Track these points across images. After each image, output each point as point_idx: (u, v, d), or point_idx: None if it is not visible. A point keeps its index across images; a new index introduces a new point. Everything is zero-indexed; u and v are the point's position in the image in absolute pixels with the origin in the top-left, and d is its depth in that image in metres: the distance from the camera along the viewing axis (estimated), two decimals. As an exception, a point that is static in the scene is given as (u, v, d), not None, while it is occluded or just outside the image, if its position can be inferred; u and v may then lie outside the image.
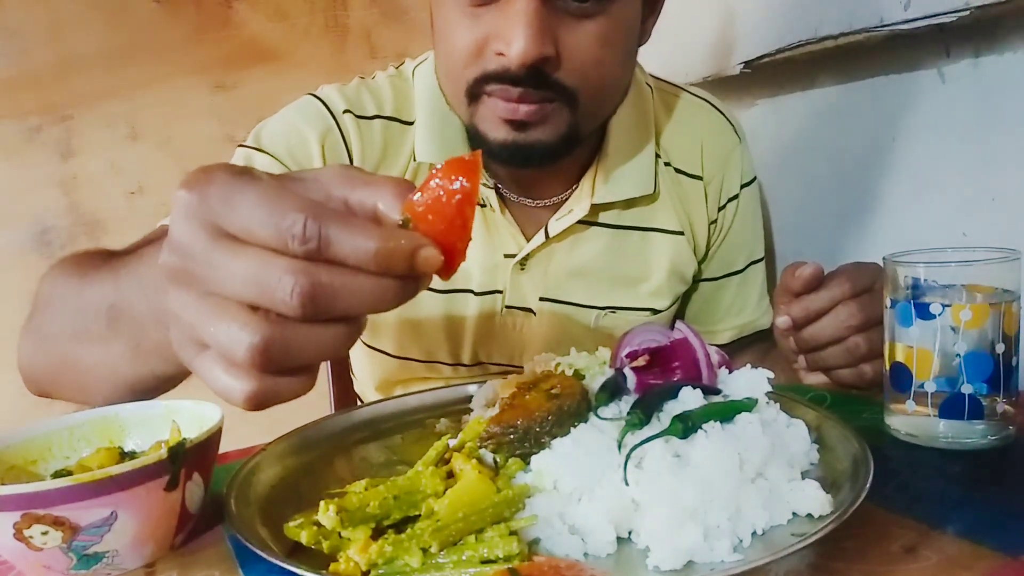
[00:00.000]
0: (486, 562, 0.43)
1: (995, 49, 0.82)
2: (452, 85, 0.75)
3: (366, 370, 1.00)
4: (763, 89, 1.13)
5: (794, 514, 0.46)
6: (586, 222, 0.85)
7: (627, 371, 0.58)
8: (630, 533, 0.46)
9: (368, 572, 0.44)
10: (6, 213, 1.41)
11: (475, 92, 0.71)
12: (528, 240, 0.85)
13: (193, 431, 0.52)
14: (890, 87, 0.95)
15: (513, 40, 0.65)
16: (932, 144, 0.91)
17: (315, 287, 0.35)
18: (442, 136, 0.81)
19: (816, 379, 0.75)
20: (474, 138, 0.75)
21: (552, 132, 0.72)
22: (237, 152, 0.84)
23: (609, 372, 0.60)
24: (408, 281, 0.37)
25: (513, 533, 0.44)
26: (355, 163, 0.82)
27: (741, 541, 0.44)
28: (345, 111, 0.83)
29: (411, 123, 0.85)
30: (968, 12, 0.77)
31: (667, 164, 0.90)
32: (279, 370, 0.38)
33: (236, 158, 0.83)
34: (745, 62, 1.07)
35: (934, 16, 0.80)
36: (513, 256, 0.85)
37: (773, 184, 1.11)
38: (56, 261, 0.74)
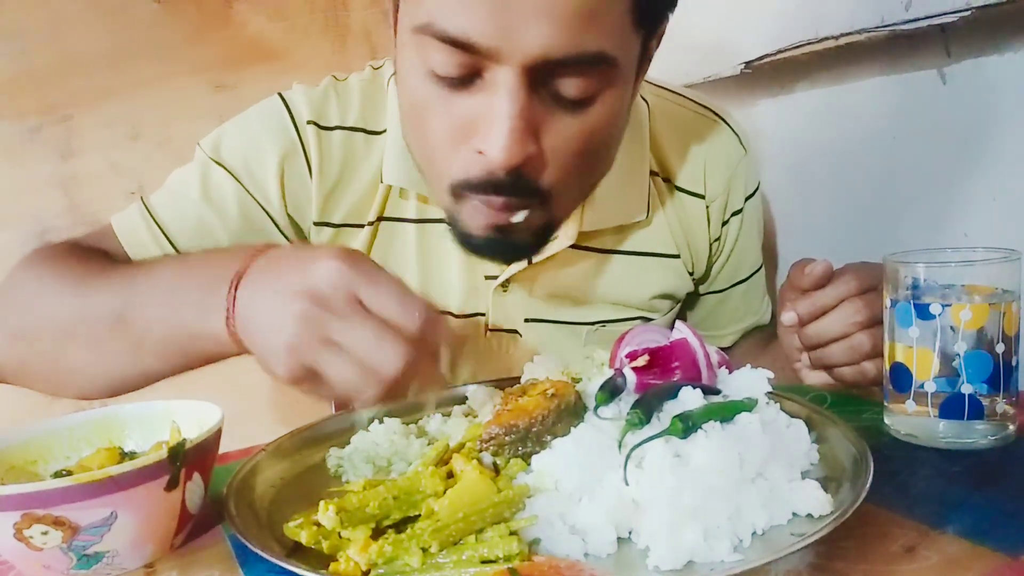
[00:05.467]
0: (486, 562, 0.43)
1: (996, 49, 0.82)
2: (429, 171, 0.68)
3: None
4: (763, 89, 1.13)
5: (794, 514, 0.46)
6: (573, 246, 0.81)
7: (627, 371, 0.58)
8: (630, 533, 0.46)
9: (368, 572, 0.44)
10: (6, 213, 1.41)
11: (458, 192, 0.65)
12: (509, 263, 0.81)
13: (193, 431, 0.52)
14: (890, 87, 0.95)
15: (495, 142, 0.58)
16: (932, 144, 0.91)
17: (408, 362, 0.50)
18: (412, 162, 0.73)
19: (817, 378, 0.75)
20: (453, 225, 0.69)
21: (530, 232, 0.68)
22: (197, 153, 0.81)
23: (608, 372, 0.60)
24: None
25: (513, 533, 0.44)
26: (313, 178, 0.79)
27: (741, 541, 0.44)
28: (309, 121, 0.79)
29: (379, 133, 0.80)
30: (969, 12, 0.76)
31: (666, 180, 0.86)
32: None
33: (196, 162, 0.81)
34: (745, 62, 1.07)
35: (935, 16, 0.80)
36: (494, 278, 0.82)
37: (773, 184, 1.11)
38: (27, 256, 0.75)
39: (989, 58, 0.83)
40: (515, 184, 0.62)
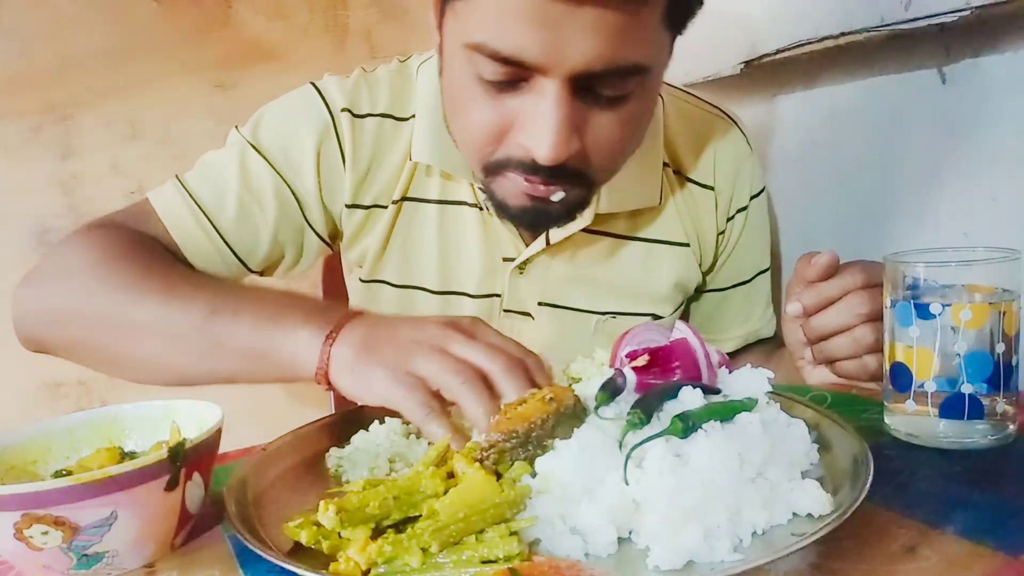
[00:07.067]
0: (486, 562, 0.43)
1: (995, 49, 0.82)
2: (469, 153, 0.72)
3: None
4: (763, 89, 1.13)
5: (794, 514, 0.46)
6: (589, 230, 0.84)
7: (627, 371, 0.58)
8: (630, 533, 0.46)
9: (368, 572, 0.44)
10: (6, 213, 1.41)
11: (495, 169, 0.69)
12: (527, 245, 0.84)
13: (193, 431, 0.52)
14: (890, 87, 0.95)
15: (542, 140, 0.63)
16: (932, 144, 0.91)
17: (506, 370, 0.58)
18: (440, 140, 0.79)
19: (819, 377, 0.75)
20: (489, 198, 0.73)
21: (569, 203, 0.72)
22: (232, 137, 0.84)
23: (608, 372, 0.60)
24: None
25: (513, 533, 0.44)
26: (347, 163, 0.82)
27: (741, 541, 0.44)
28: (343, 109, 0.82)
29: (406, 119, 0.83)
30: (968, 12, 0.76)
31: (677, 173, 0.89)
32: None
33: (231, 146, 0.83)
34: (745, 62, 1.07)
35: (934, 16, 0.80)
36: (512, 260, 0.85)
37: (773, 184, 1.11)
38: (79, 237, 0.76)
39: (988, 58, 0.83)
40: (557, 170, 0.66)
